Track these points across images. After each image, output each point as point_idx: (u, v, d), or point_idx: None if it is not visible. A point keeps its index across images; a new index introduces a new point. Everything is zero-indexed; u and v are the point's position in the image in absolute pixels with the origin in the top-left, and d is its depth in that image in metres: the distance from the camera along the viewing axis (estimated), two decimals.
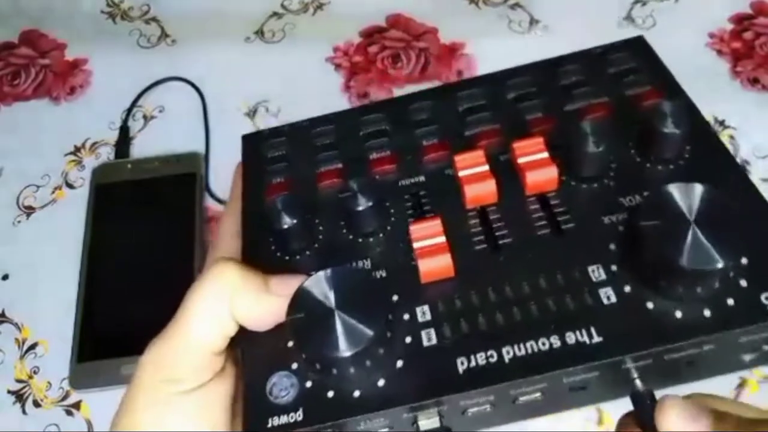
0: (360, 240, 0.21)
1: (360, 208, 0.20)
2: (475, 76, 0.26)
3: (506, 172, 0.21)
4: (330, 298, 0.18)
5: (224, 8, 0.51)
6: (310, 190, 0.23)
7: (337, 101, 0.45)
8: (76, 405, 0.35)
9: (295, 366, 0.18)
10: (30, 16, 0.51)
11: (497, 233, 0.20)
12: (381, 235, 0.21)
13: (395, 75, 0.47)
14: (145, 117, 0.45)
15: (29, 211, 0.42)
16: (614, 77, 0.24)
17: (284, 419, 0.18)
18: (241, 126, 0.44)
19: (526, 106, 0.23)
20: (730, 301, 0.17)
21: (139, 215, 0.41)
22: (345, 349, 0.17)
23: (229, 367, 0.20)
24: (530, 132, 0.22)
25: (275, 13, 0.50)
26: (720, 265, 0.16)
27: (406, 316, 0.19)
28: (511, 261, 0.19)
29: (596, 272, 0.18)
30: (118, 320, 0.37)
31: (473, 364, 0.18)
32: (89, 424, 0.35)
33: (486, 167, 0.21)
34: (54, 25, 0.50)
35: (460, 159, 0.21)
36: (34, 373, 0.36)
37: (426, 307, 0.19)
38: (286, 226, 0.20)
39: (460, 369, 0.18)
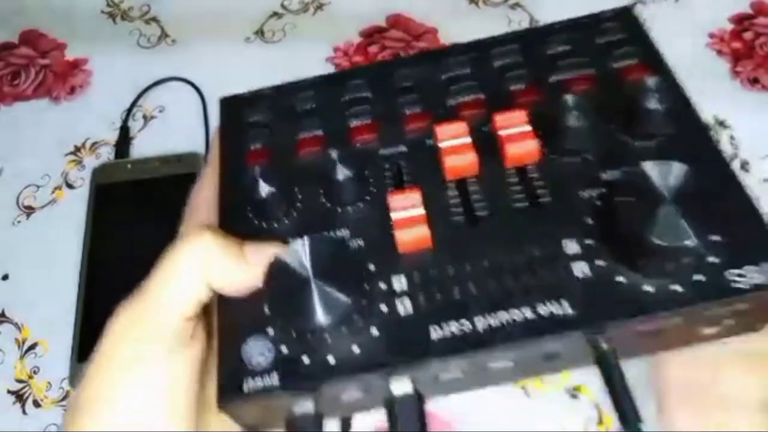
0: (338, 209, 0.21)
1: (339, 178, 0.20)
2: (461, 42, 0.25)
3: (487, 144, 0.21)
4: (306, 266, 0.18)
5: (224, 8, 0.51)
6: (290, 157, 0.23)
7: None
8: None
9: (270, 331, 0.19)
10: (30, 16, 0.51)
11: (476, 205, 0.20)
12: (360, 204, 0.21)
13: None
14: (145, 117, 0.45)
15: (29, 211, 0.42)
16: (601, 48, 0.23)
17: (259, 383, 0.18)
18: None
19: (511, 76, 0.23)
20: (699, 277, 0.18)
21: (139, 215, 0.41)
22: (321, 318, 0.17)
23: (199, 334, 0.19)
24: (514, 103, 0.22)
25: (275, 13, 0.50)
26: (690, 242, 0.17)
27: (383, 286, 0.19)
28: (487, 233, 0.19)
29: (570, 245, 0.19)
30: None
31: (446, 332, 0.18)
32: None
33: (468, 139, 0.20)
34: (54, 25, 0.50)
35: (441, 130, 0.21)
36: (34, 373, 0.36)
37: (402, 277, 0.19)
38: (264, 195, 0.20)
39: (434, 336, 0.18)
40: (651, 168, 0.18)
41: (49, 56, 0.49)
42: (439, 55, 0.24)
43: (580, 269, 0.18)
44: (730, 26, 0.48)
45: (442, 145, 0.20)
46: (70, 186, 0.43)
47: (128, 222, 0.40)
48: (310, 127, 0.23)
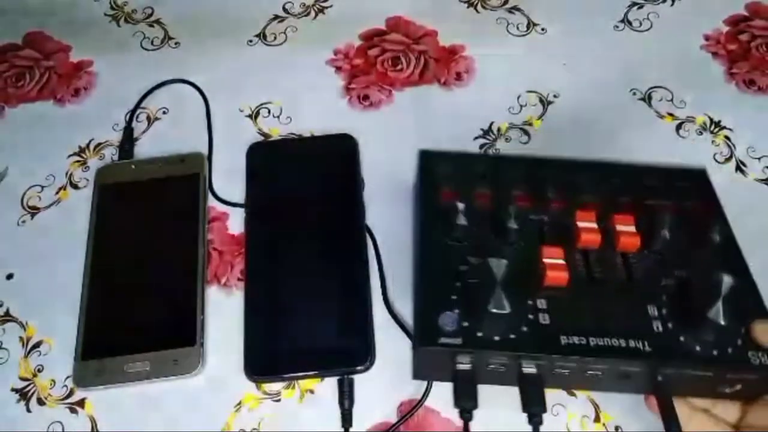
0: (501, 245, 0.32)
1: (507, 224, 0.31)
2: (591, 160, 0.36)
3: (607, 232, 0.31)
4: (497, 277, 0.28)
5: (227, 11, 0.51)
6: (472, 202, 0.33)
7: (338, 103, 0.46)
8: (80, 403, 0.36)
9: (458, 310, 0.29)
10: (34, 18, 0.52)
11: (594, 269, 0.31)
12: (514, 245, 0.32)
13: (395, 77, 0.47)
14: (148, 118, 0.46)
15: (34, 211, 0.42)
16: (679, 189, 0.34)
17: (448, 340, 0.28)
18: (243, 127, 0.45)
19: (620, 191, 0.34)
20: (729, 349, 0.28)
21: (142, 215, 0.41)
22: (494, 310, 0.27)
23: None
24: (623, 209, 0.32)
25: (277, 17, 0.51)
26: (726, 324, 0.27)
27: (532, 302, 0.30)
28: (600, 288, 0.30)
29: (652, 310, 0.30)
30: (122, 319, 0.38)
31: (570, 341, 0.28)
32: (93, 421, 0.35)
33: (595, 225, 0.32)
34: (58, 28, 0.51)
35: (581, 214, 0.32)
36: (39, 371, 0.37)
37: (545, 300, 0.30)
38: (458, 222, 0.31)
39: (562, 341, 0.28)
40: (712, 273, 0.28)
41: (53, 58, 0.49)
42: (572, 165, 0.36)
43: (657, 325, 0.29)
44: (725, 28, 0.49)
45: (580, 224, 0.32)
46: (74, 186, 0.43)
47: (132, 222, 0.41)
48: (483, 186, 0.34)
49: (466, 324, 0.28)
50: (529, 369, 0.29)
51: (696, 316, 0.28)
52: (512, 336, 0.28)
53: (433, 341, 0.28)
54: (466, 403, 0.29)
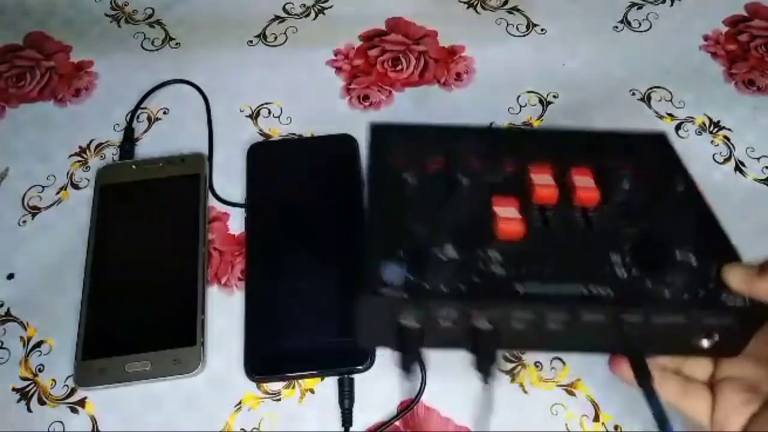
0: (455, 201, 0.30)
1: (459, 180, 0.30)
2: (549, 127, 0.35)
3: (563, 187, 0.29)
4: (447, 228, 0.27)
5: (227, 12, 0.51)
6: (423, 167, 0.31)
7: (338, 103, 0.46)
8: (81, 402, 0.36)
9: (403, 265, 0.26)
10: (35, 18, 0.52)
11: (551, 221, 0.28)
12: (465, 202, 0.29)
13: (395, 78, 0.47)
14: (149, 119, 0.46)
15: (34, 211, 0.42)
16: (638, 152, 0.33)
17: (392, 292, 0.25)
18: (244, 128, 0.45)
19: (576, 153, 0.32)
20: (701, 292, 0.26)
21: (143, 215, 0.41)
22: (443, 260, 0.26)
23: None
24: (582, 166, 0.31)
25: (277, 17, 0.51)
26: (694, 264, 0.26)
27: (483, 254, 0.27)
28: (557, 241, 0.28)
29: (615, 257, 0.27)
30: (123, 319, 0.38)
31: (526, 289, 0.26)
32: (94, 421, 0.35)
33: (552, 180, 0.29)
34: (59, 28, 0.51)
35: (535, 168, 0.30)
36: (39, 371, 0.37)
37: (498, 252, 0.27)
38: (408, 181, 0.30)
39: (518, 289, 0.26)
40: (677, 220, 0.27)
41: (54, 59, 0.49)
42: (528, 132, 0.35)
43: (621, 272, 0.26)
44: (725, 29, 0.49)
45: (535, 179, 0.29)
46: (75, 186, 0.43)
47: (132, 222, 0.41)
48: (437, 152, 0.32)
49: (411, 277, 0.26)
50: (482, 323, 0.26)
51: (663, 260, 0.26)
52: (462, 286, 0.25)
53: (374, 291, 0.25)
54: (411, 364, 0.26)
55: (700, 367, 0.28)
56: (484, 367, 0.26)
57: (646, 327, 0.26)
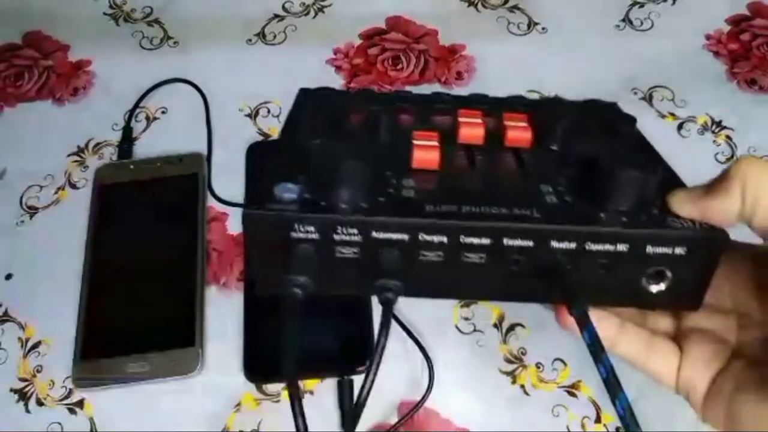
0: (380, 140, 0.27)
1: (382, 123, 0.27)
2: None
3: (496, 129, 0.27)
4: (354, 154, 0.23)
5: (226, 10, 0.51)
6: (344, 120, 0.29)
7: None
8: (79, 403, 0.35)
9: (300, 182, 0.23)
10: (33, 17, 0.51)
11: (476, 157, 0.26)
12: (393, 140, 0.27)
13: (395, 76, 0.47)
14: (147, 118, 0.46)
15: (32, 211, 0.42)
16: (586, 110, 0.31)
17: (282, 207, 0.22)
18: (243, 127, 0.45)
19: (518, 106, 0.30)
20: (642, 216, 0.22)
21: (141, 215, 0.41)
22: (344, 178, 0.22)
23: None
24: (516, 112, 0.28)
25: (276, 16, 0.51)
26: (637, 189, 0.22)
27: (395, 180, 0.24)
28: (482, 171, 0.25)
29: (546, 188, 0.24)
30: (121, 319, 0.37)
31: (438, 209, 0.22)
32: (92, 422, 0.35)
33: (480, 120, 0.27)
34: (57, 27, 0.51)
35: (463, 112, 0.28)
36: (38, 371, 0.37)
37: (411, 180, 0.24)
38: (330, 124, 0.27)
39: (428, 209, 0.22)
40: (618, 158, 0.23)
41: (52, 58, 0.49)
42: (465, 97, 0.32)
43: (552, 199, 0.23)
44: (727, 28, 0.49)
45: (461, 119, 0.27)
46: (73, 186, 0.43)
47: (131, 222, 0.41)
48: (362, 109, 0.29)
49: (308, 195, 0.22)
50: (387, 253, 0.22)
51: (600, 188, 0.22)
52: (364, 204, 0.22)
53: (262, 206, 0.22)
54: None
55: (665, 320, 0.25)
56: (385, 299, 0.21)
57: (584, 259, 0.22)
